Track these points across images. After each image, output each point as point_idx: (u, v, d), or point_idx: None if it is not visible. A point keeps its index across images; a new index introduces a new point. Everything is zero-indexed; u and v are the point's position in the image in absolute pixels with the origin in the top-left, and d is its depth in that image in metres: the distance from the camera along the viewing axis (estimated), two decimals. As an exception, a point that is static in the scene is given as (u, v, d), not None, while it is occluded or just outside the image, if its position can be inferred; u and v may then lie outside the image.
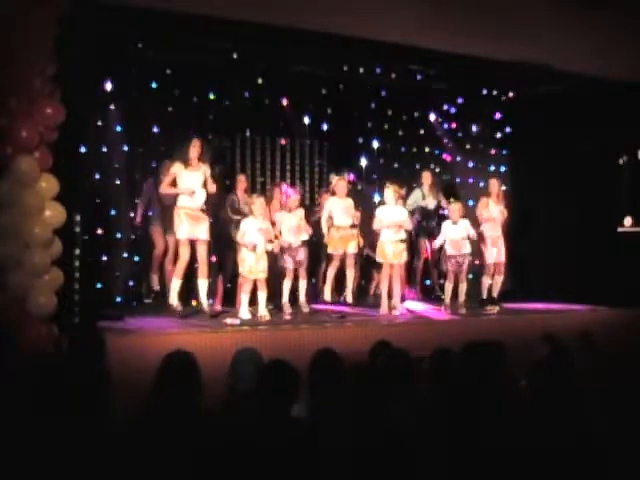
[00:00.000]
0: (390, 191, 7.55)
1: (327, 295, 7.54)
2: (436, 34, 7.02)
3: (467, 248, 8.01)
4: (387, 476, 2.75)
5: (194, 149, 6.73)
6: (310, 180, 9.68)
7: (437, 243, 8.18)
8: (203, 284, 6.86)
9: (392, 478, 2.77)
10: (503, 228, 8.31)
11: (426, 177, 8.93)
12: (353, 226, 7.48)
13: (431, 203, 8.90)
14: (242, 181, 8.08)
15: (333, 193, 7.59)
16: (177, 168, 6.73)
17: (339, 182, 7.56)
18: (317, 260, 8.16)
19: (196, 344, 5.52)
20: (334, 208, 7.48)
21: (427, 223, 8.87)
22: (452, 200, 8.62)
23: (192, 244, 6.77)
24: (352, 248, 7.52)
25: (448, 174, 10.18)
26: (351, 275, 7.60)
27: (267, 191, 8.75)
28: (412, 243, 8.57)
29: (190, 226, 6.69)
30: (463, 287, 8.05)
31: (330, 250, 7.56)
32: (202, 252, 6.77)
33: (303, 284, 7.42)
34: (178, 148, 6.84)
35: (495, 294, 8.29)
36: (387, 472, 2.75)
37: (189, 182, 6.70)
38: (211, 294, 7.44)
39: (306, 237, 7.38)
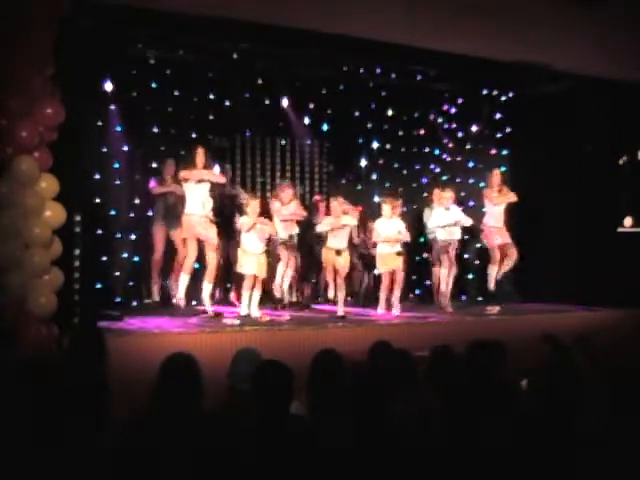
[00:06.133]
0: (387, 205, 7.69)
1: (331, 294, 7.58)
2: (436, 34, 7.02)
3: (457, 234, 8.09)
4: (387, 476, 2.75)
5: (199, 156, 6.79)
6: (310, 180, 9.69)
7: (430, 227, 8.33)
8: (207, 287, 6.93)
9: (392, 478, 2.77)
10: (507, 217, 8.23)
11: (437, 194, 8.74)
12: (338, 252, 7.43)
13: None
14: None
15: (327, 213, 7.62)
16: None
17: (332, 203, 7.59)
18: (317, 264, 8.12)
19: (196, 344, 5.55)
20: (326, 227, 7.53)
21: None
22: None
23: (200, 245, 6.84)
24: (341, 267, 7.46)
25: (448, 174, 10.16)
26: (342, 290, 7.49)
27: (276, 189, 8.59)
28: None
29: (199, 230, 6.77)
30: (450, 281, 8.13)
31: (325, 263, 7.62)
32: (211, 258, 6.85)
33: (288, 273, 7.54)
34: (184, 155, 6.89)
35: (501, 273, 8.18)
36: (387, 472, 2.75)
37: (197, 191, 6.76)
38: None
39: (297, 230, 7.47)
